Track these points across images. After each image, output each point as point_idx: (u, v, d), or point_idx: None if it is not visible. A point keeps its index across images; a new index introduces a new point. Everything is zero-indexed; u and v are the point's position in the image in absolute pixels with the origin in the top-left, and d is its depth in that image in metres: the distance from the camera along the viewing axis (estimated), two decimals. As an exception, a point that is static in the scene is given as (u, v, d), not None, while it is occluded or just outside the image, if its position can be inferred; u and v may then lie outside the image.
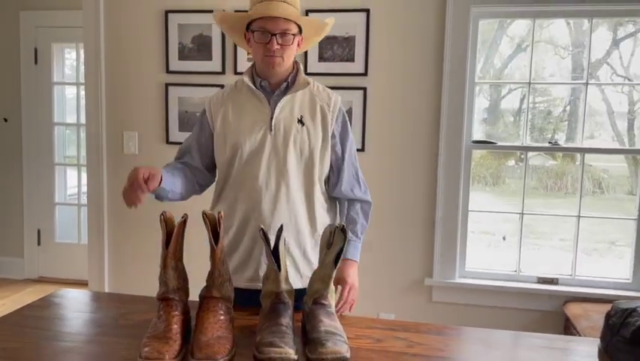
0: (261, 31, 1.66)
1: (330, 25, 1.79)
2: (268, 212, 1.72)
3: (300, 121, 1.73)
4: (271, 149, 1.72)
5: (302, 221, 1.76)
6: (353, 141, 1.86)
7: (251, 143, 1.72)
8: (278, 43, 1.65)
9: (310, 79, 1.79)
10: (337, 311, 1.74)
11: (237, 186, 1.75)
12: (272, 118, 1.72)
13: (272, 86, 1.76)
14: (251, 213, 1.73)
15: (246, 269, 1.77)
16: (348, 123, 1.84)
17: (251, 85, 1.75)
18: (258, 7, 1.66)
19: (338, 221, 1.90)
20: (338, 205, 1.90)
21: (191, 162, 1.85)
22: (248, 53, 3.08)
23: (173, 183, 1.72)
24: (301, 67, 1.81)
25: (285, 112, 1.73)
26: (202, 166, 1.85)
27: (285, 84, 1.76)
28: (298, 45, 1.74)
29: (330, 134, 1.76)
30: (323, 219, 1.82)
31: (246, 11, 1.72)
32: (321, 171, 1.78)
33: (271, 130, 1.72)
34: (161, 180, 1.64)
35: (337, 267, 1.44)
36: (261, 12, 1.64)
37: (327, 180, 1.84)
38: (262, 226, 1.47)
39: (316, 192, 1.78)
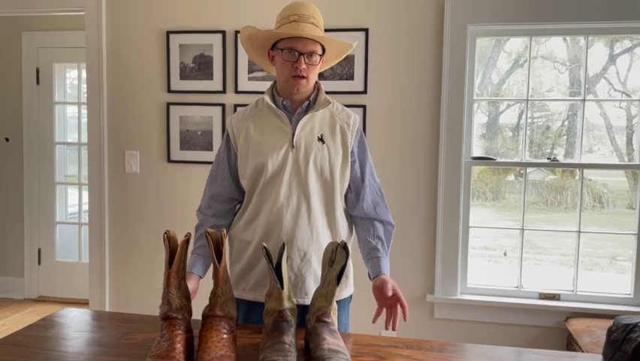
0: (289, 50, 1.70)
1: (353, 48, 1.84)
2: (289, 228, 1.74)
3: (321, 139, 1.77)
4: (293, 166, 1.75)
5: (323, 237, 1.78)
6: (371, 162, 1.88)
7: (273, 161, 1.74)
8: (305, 63, 1.70)
9: (330, 98, 1.83)
10: (387, 325, 1.73)
11: (260, 202, 1.77)
12: (293, 136, 1.75)
13: (293, 105, 1.79)
14: (272, 228, 1.75)
15: (268, 283, 1.77)
16: (366, 142, 1.88)
17: (272, 104, 1.78)
18: (287, 27, 1.71)
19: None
20: (354, 226, 1.90)
21: (233, 195, 1.86)
22: (249, 72, 3.12)
23: (207, 264, 1.81)
24: (322, 87, 1.84)
25: (306, 130, 1.77)
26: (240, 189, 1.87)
27: (306, 103, 1.79)
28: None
29: (349, 152, 1.80)
30: (344, 236, 1.85)
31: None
32: (341, 188, 1.81)
33: (293, 148, 1.75)
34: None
35: (339, 284, 1.45)
36: (292, 32, 1.68)
37: (346, 198, 1.86)
38: (264, 244, 1.48)
39: (337, 209, 1.81)
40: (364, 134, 1.92)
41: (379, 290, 1.75)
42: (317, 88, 1.82)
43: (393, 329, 1.70)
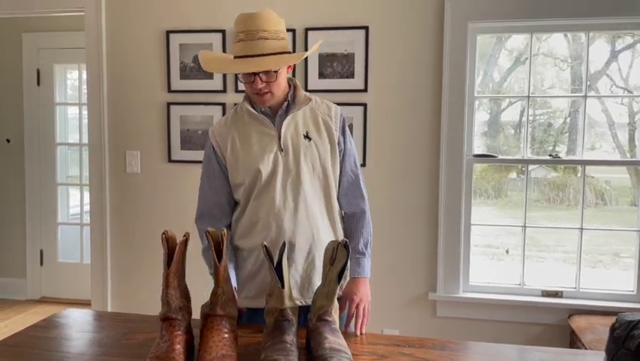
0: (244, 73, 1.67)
1: (303, 56, 1.77)
2: (290, 231, 1.72)
3: (307, 136, 1.75)
4: (284, 168, 1.73)
5: (325, 234, 1.77)
6: (353, 148, 1.86)
7: (265, 166, 1.72)
8: (263, 81, 1.66)
9: (310, 95, 1.80)
10: (346, 328, 1.73)
11: (256, 209, 1.75)
12: (280, 138, 1.73)
13: (273, 108, 1.77)
14: (274, 234, 1.73)
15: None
16: (348, 131, 1.86)
17: (252, 110, 1.76)
18: (236, 47, 1.66)
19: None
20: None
21: (232, 206, 1.83)
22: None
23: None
24: (298, 83, 1.81)
25: (291, 130, 1.75)
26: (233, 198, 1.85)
27: (285, 104, 1.77)
28: (289, 67, 1.74)
29: (336, 144, 1.78)
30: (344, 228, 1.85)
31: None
32: (335, 181, 1.80)
33: (282, 150, 1.73)
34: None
35: (341, 283, 1.45)
36: (238, 63, 1.64)
37: None
38: (265, 243, 1.48)
39: (334, 203, 1.80)
40: (350, 130, 1.89)
41: (345, 295, 1.77)
42: (293, 86, 1.79)
43: (360, 333, 1.69)
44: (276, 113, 1.76)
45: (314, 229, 1.75)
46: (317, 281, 1.75)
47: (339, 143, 1.79)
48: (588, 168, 3.04)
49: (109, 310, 3.39)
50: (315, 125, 1.77)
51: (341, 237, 1.82)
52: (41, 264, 4.64)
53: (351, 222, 1.86)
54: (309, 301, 1.69)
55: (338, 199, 1.83)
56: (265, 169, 1.72)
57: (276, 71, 1.66)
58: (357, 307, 1.74)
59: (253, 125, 1.76)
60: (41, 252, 4.63)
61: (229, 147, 1.77)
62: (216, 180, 1.80)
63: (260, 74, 1.64)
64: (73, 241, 4.65)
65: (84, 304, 4.28)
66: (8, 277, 4.66)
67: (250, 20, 1.64)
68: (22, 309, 4.41)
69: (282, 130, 1.73)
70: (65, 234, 4.68)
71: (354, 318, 1.74)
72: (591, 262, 3.58)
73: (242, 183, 1.75)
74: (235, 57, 1.66)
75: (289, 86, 1.79)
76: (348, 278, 1.81)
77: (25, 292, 4.64)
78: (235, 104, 3.09)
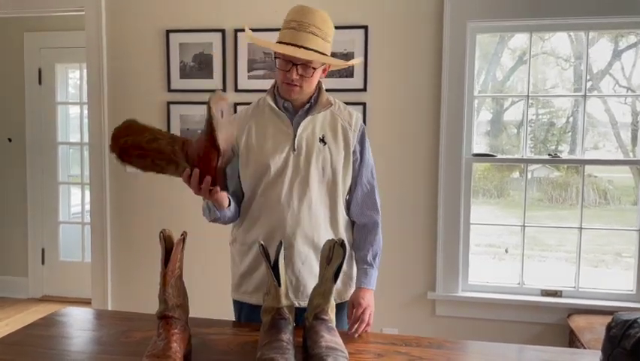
0: (284, 58, 1.67)
1: (347, 65, 1.80)
2: (291, 231, 1.73)
3: (322, 140, 1.75)
4: (294, 168, 1.73)
5: (325, 238, 1.75)
6: (371, 159, 1.86)
7: (275, 163, 1.72)
8: (298, 74, 1.66)
9: (333, 99, 1.80)
10: (350, 330, 1.73)
11: (261, 204, 1.76)
12: (294, 138, 1.74)
13: (295, 106, 1.77)
14: (274, 231, 1.73)
15: None
16: (368, 141, 1.85)
17: (273, 105, 1.76)
18: (285, 33, 1.66)
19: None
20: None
21: (234, 197, 1.81)
22: (249, 71, 3.11)
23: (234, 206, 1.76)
24: (323, 87, 1.81)
25: (307, 131, 1.75)
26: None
27: (307, 105, 1.77)
28: (324, 71, 1.75)
29: (351, 152, 1.78)
30: (347, 237, 1.84)
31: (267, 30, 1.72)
32: (344, 189, 1.79)
33: (294, 150, 1.73)
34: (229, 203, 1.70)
35: (336, 282, 1.45)
36: (284, 46, 1.64)
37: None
38: (261, 242, 1.48)
39: (340, 210, 1.80)
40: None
41: (352, 301, 1.78)
42: (318, 88, 1.79)
43: (357, 334, 1.70)
44: (297, 113, 1.77)
45: (315, 232, 1.75)
46: (312, 285, 1.74)
47: (354, 152, 1.79)
48: (592, 167, 3.03)
49: (109, 308, 3.40)
50: (333, 131, 1.77)
51: None
52: (43, 263, 4.65)
53: (363, 232, 1.85)
54: (303, 304, 1.69)
55: (351, 209, 1.83)
56: (274, 166, 1.72)
57: (315, 68, 1.68)
58: (363, 311, 1.73)
59: (271, 121, 1.77)
60: (43, 250, 4.65)
61: (244, 137, 1.78)
62: (234, 169, 1.81)
63: (298, 66, 1.66)
64: (74, 240, 4.66)
65: (86, 302, 4.29)
66: (10, 276, 4.68)
67: (305, 14, 1.67)
68: (23, 308, 4.43)
69: (299, 131, 1.74)
70: (67, 233, 4.69)
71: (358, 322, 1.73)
72: (593, 261, 3.58)
73: (250, 175, 1.76)
74: (279, 42, 1.67)
75: (315, 88, 1.79)
76: (353, 288, 1.82)
77: (27, 291, 4.66)
78: (233, 106, 3.12)
